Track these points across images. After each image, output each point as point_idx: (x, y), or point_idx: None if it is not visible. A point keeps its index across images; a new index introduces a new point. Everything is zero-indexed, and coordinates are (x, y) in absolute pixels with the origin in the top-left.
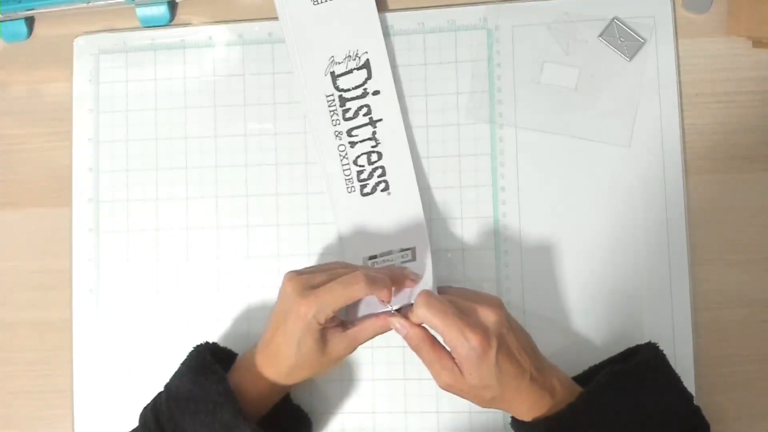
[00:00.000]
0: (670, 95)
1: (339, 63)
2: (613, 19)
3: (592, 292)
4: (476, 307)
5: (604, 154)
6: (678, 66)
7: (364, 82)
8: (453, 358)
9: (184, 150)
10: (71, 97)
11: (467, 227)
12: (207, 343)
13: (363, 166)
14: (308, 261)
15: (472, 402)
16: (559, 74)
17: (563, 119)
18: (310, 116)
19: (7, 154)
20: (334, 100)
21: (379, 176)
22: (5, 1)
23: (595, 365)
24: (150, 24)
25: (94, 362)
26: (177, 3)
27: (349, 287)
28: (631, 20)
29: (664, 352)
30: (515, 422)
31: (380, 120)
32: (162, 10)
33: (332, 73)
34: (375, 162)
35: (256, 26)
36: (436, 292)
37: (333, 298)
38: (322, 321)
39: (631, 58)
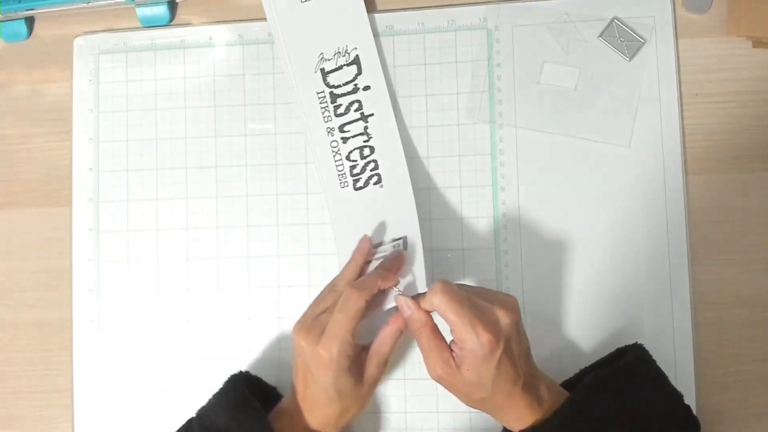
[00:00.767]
0: (670, 95)
1: (328, 60)
2: (613, 19)
3: (592, 291)
4: (492, 307)
5: (604, 154)
6: (678, 66)
7: (355, 78)
8: (451, 351)
9: (184, 150)
10: (71, 97)
11: (467, 227)
12: (241, 372)
13: (356, 161)
14: (308, 261)
15: (458, 398)
16: (559, 74)
17: (563, 119)
18: (302, 114)
19: (7, 154)
20: (325, 96)
21: (371, 170)
22: (5, 1)
23: (585, 368)
24: (150, 24)
25: (94, 362)
26: (177, 3)
27: (349, 308)
28: (631, 20)
29: (664, 352)
30: None
31: (371, 115)
32: (162, 10)
33: (322, 70)
34: (367, 156)
35: (256, 26)
36: (427, 278)
37: (343, 327)
38: (351, 352)
39: (631, 58)
